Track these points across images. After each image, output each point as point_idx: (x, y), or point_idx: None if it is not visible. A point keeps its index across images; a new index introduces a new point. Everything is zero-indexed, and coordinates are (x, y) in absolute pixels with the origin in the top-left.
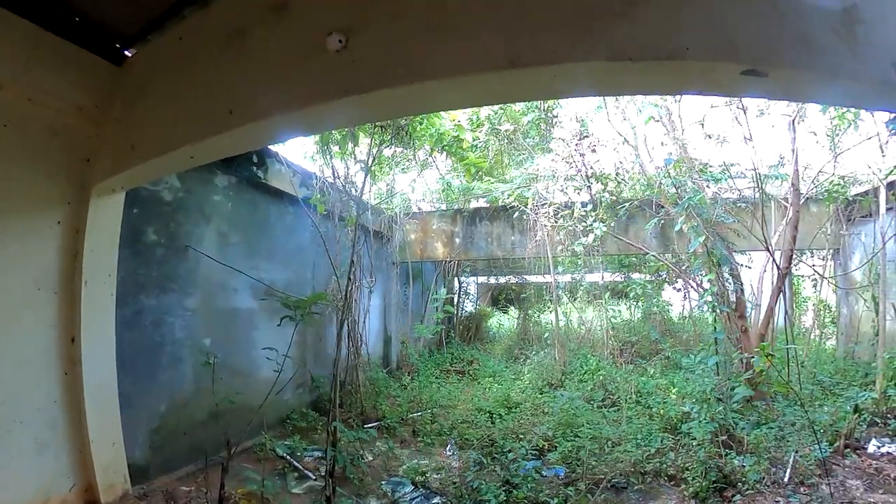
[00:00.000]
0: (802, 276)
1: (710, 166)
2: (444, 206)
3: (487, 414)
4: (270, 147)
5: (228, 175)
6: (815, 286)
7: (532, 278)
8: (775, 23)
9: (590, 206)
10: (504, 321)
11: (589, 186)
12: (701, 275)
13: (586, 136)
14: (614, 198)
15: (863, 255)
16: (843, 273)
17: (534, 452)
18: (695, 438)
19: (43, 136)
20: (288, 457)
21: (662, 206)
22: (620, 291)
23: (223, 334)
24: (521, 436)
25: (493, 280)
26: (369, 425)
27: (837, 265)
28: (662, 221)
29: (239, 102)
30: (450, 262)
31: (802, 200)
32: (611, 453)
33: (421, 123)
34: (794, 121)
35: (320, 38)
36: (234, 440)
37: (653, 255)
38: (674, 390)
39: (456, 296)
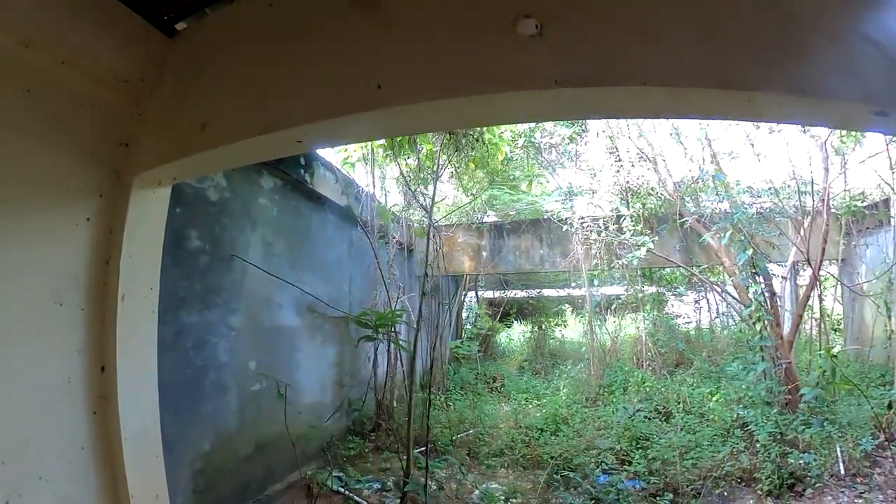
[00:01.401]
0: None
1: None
2: (470, 219)
3: (538, 431)
4: (315, 151)
5: (275, 177)
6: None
7: (548, 292)
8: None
9: (633, 220)
10: (512, 336)
11: (627, 201)
12: (748, 285)
13: (627, 152)
14: (650, 213)
15: (870, 265)
16: (852, 283)
17: (605, 466)
18: (758, 440)
19: (74, 108)
20: (344, 491)
21: (686, 220)
22: (636, 304)
23: (267, 356)
24: (585, 451)
25: (497, 294)
26: (419, 448)
27: (843, 275)
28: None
29: (389, 77)
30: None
31: (812, 214)
32: (683, 461)
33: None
34: (825, 142)
35: (504, 20)
36: (277, 474)
37: (684, 268)
38: (715, 397)
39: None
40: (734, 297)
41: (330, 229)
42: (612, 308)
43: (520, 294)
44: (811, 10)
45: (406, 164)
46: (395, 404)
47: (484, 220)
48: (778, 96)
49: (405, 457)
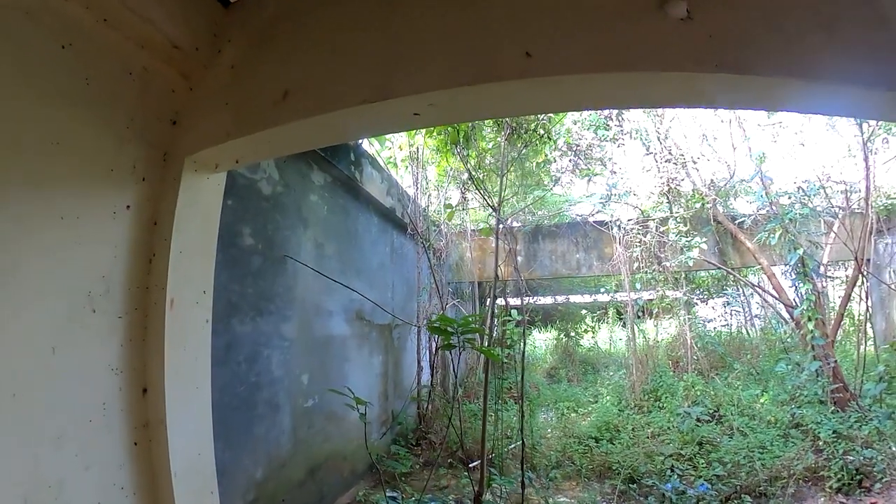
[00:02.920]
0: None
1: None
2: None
3: (592, 440)
4: (363, 146)
5: (325, 172)
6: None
7: (575, 298)
8: None
9: (678, 222)
10: (536, 343)
11: (671, 203)
12: (796, 284)
13: (665, 153)
14: (693, 214)
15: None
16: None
17: (677, 473)
18: (820, 439)
19: (115, 75)
20: None
21: (720, 222)
22: (669, 308)
23: (319, 369)
24: (649, 458)
25: (525, 301)
26: (473, 462)
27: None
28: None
29: (539, 45)
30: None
31: (842, 214)
32: (751, 463)
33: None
34: (866, 142)
35: (647, 1)
36: (329, 497)
37: (727, 270)
38: (763, 399)
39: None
40: (775, 298)
41: (374, 232)
42: (649, 312)
43: (546, 301)
44: None
45: (457, 163)
46: (437, 416)
47: (514, 224)
48: (888, 94)
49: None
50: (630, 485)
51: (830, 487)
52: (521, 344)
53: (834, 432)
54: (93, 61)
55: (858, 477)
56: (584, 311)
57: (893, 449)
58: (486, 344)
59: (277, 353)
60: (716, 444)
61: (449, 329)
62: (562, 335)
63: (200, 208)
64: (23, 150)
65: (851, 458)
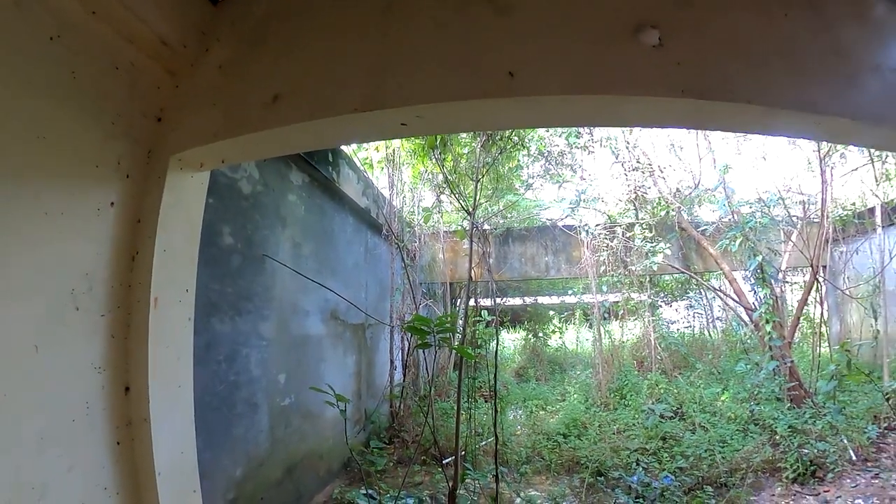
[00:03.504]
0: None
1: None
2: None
3: (561, 436)
4: (342, 147)
5: (303, 172)
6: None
7: (543, 300)
8: None
9: (644, 228)
10: (503, 343)
11: (638, 209)
12: (755, 289)
13: (633, 161)
14: (658, 221)
15: (857, 271)
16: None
17: (642, 466)
18: (776, 433)
19: (102, 69)
20: None
21: (684, 229)
22: (634, 310)
23: (296, 368)
24: (615, 452)
25: (493, 301)
26: (446, 459)
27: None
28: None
29: (521, 66)
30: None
31: (800, 223)
32: (712, 457)
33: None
34: (824, 157)
35: (623, 28)
36: (305, 497)
37: (689, 274)
38: (723, 396)
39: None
40: (735, 301)
41: (349, 232)
42: (614, 314)
43: (515, 302)
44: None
45: (433, 166)
46: (409, 415)
47: (485, 226)
48: (842, 120)
49: (437, 469)
50: (598, 478)
51: (787, 478)
52: (494, 343)
53: (790, 427)
54: (80, 54)
55: (813, 468)
56: (551, 313)
57: (845, 442)
58: (459, 343)
59: (256, 352)
60: (678, 438)
61: (424, 329)
62: (530, 335)
63: (184, 207)
64: (6, 142)
65: (806, 450)
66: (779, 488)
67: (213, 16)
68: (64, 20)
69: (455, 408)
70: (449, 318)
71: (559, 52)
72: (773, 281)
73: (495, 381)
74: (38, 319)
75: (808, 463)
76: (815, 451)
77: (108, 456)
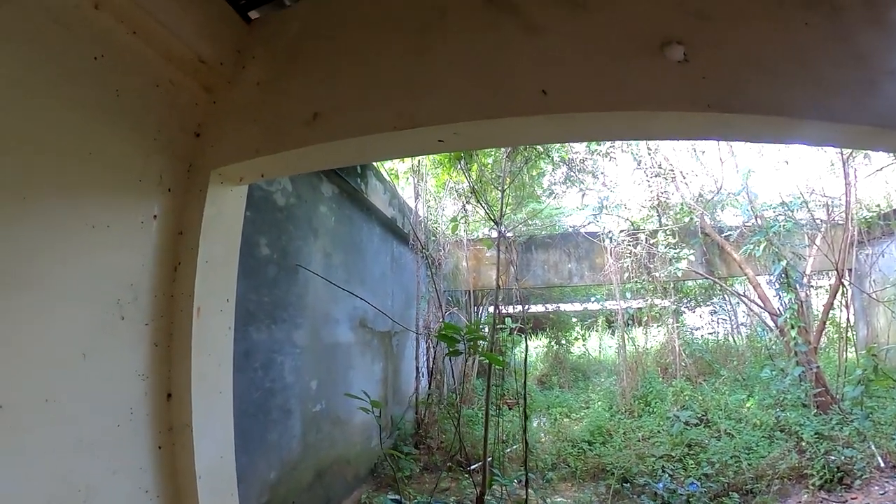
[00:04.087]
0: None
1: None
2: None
3: (586, 443)
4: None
5: (333, 184)
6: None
7: (566, 307)
8: None
9: (667, 234)
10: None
11: (661, 215)
12: (780, 294)
13: (655, 167)
14: (681, 226)
15: (884, 273)
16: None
17: (668, 472)
18: (803, 439)
19: (144, 87)
20: None
21: (707, 234)
22: (658, 316)
23: (327, 375)
24: (641, 459)
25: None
26: (472, 466)
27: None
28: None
29: (553, 84)
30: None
31: (825, 226)
32: (738, 463)
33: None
34: (847, 158)
35: (649, 44)
36: (334, 501)
37: (713, 280)
38: (749, 403)
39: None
40: (760, 307)
41: (376, 241)
42: (638, 321)
43: (538, 309)
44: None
45: (458, 176)
46: (434, 421)
47: (509, 235)
48: (864, 128)
49: (464, 475)
50: (623, 484)
51: (813, 485)
52: (523, 350)
53: (816, 433)
54: (123, 73)
55: (840, 475)
56: (574, 320)
57: (872, 448)
58: (486, 350)
59: (290, 359)
60: (704, 445)
61: (455, 336)
62: (552, 343)
63: (225, 219)
64: (56, 158)
65: (833, 457)
66: (805, 495)
67: (246, 34)
68: (107, 40)
69: (478, 414)
70: (477, 326)
71: (589, 69)
72: (797, 285)
73: (524, 388)
74: (87, 328)
75: (836, 470)
76: (842, 457)
77: (149, 460)
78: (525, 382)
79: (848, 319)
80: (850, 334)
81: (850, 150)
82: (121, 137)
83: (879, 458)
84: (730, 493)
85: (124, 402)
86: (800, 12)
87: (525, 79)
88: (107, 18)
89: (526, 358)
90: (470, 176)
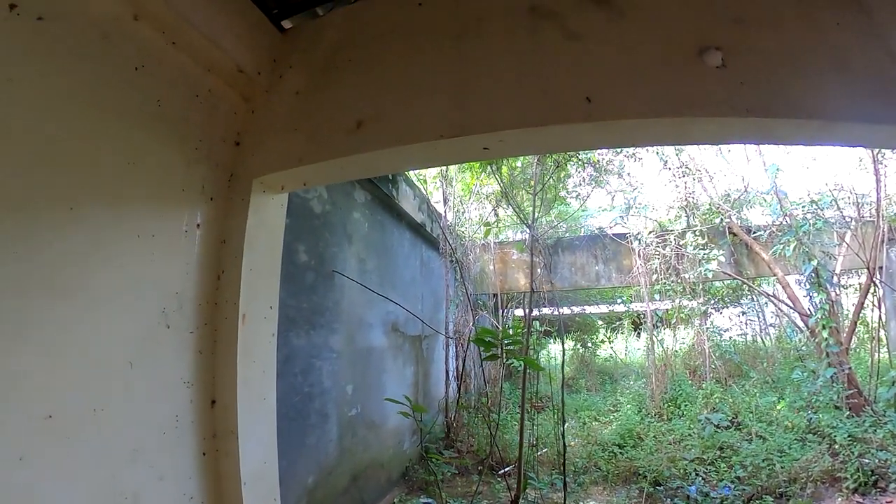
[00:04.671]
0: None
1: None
2: (518, 241)
3: (616, 447)
4: None
5: (365, 190)
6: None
7: (591, 309)
8: None
9: (697, 234)
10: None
11: (689, 215)
12: (811, 294)
13: (680, 167)
14: (710, 227)
15: None
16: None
17: (701, 476)
18: (836, 442)
19: (184, 97)
20: None
21: (735, 234)
22: (686, 318)
23: (361, 379)
24: (672, 463)
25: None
26: (505, 468)
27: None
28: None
29: (597, 91)
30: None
31: (854, 224)
32: (771, 466)
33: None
34: (876, 154)
35: (687, 50)
36: (369, 502)
37: (742, 280)
38: (780, 405)
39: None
40: (789, 307)
41: (407, 246)
42: (666, 322)
43: (564, 311)
44: None
45: (487, 180)
46: (462, 425)
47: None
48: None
49: (497, 479)
50: (656, 488)
51: (847, 488)
52: (553, 352)
53: (849, 436)
54: (164, 83)
55: (874, 478)
56: (599, 323)
57: None
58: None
59: (327, 364)
60: (735, 448)
61: (492, 340)
62: (579, 345)
63: (267, 227)
64: (101, 168)
65: (867, 460)
66: (839, 499)
67: (282, 43)
68: (147, 51)
69: (507, 418)
70: (515, 330)
71: (632, 76)
72: (828, 285)
73: (562, 391)
74: (134, 337)
75: (870, 473)
76: (877, 460)
77: (194, 466)
78: (563, 385)
79: (880, 319)
80: (881, 334)
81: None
82: (163, 146)
83: None
84: (763, 496)
85: (170, 409)
86: (830, 13)
87: (569, 86)
88: (147, 29)
89: (564, 360)
90: (501, 179)
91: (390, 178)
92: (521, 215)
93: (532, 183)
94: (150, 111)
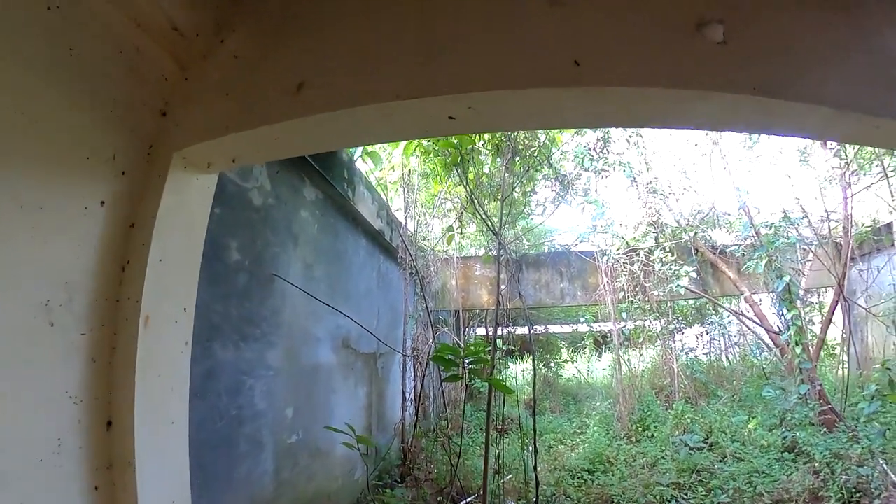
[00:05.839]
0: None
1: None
2: (484, 252)
3: (586, 472)
4: (356, 164)
5: (317, 188)
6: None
7: (554, 328)
8: None
9: (665, 252)
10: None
11: (658, 233)
12: (781, 312)
13: (647, 184)
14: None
15: (874, 289)
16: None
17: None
18: (815, 460)
19: (104, 50)
20: None
21: (700, 252)
22: (651, 337)
23: (305, 401)
24: (647, 488)
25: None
26: (467, 500)
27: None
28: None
29: (587, 55)
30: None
31: (820, 242)
32: (752, 488)
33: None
34: (844, 174)
35: (686, 22)
36: None
37: (708, 298)
38: (751, 424)
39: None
40: (757, 324)
41: (363, 255)
42: (631, 342)
43: (525, 331)
44: None
45: (452, 187)
46: (420, 451)
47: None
48: None
49: None
50: None
51: None
52: (532, 370)
53: (829, 452)
54: (80, 31)
55: (858, 495)
56: (561, 343)
57: (884, 466)
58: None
59: (261, 383)
60: (712, 471)
61: (452, 359)
62: (541, 366)
63: (186, 212)
64: None
65: (846, 476)
66: None
67: (229, 5)
68: None
69: (469, 442)
70: (478, 347)
71: (625, 43)
72: (798, 301)
73: (535, 415)
74: (3, 335)
75: (853, 490)
76: (857, 477)
77: (82, 503)
78: (535, 407)
79: (847, 335)
80: (851, 350)
81: (846, 164)
82: (67, 103)
83: (893, 475)
84: None
85: (50, 430)
86: None
87: (555, 47)
88: None
89: (535, 378)
90: (467, 183)
91: (346, 176)
92: (489, 222)
93: (499, 190)
94: (57, 58)
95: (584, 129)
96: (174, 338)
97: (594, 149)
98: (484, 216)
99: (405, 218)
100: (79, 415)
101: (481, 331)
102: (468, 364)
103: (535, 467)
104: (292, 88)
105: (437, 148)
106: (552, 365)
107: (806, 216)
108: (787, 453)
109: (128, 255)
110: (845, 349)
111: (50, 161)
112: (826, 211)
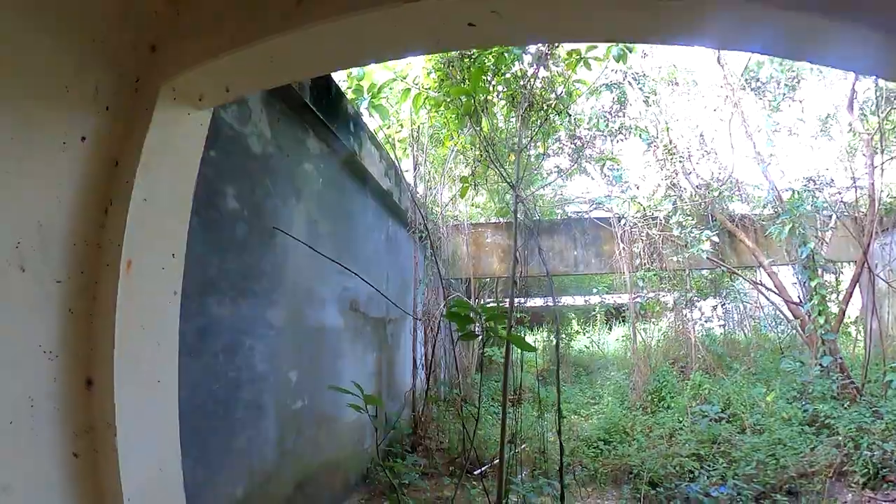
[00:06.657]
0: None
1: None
2: (498, 219)
3: (602, 442)
4: (362, 119)
5: (321, 141)
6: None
7: (566, 299)
8: None
9: (688, 216)
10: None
11: (676, 196)
12: (805, 280)
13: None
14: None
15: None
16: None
17: (705, 473)
18: (838, 433)
19: None
20: None
21: (717, 221)
22: (666, 308)
23: (311, 365)
24: (666, 459)
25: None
26: (480, 469)
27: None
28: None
29: None
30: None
31: (843, 213)
32: (774, 461)
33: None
34: (872, 139)
35: None
36: None
37: (727, 267)
38: (769, 396)
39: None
40: (776, 295)
41: (370, 216)
42: (649, 312)
43: (538, 302)
44: None
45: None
46: (431, 420)
47: (506, 220)
48: None
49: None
50: (655, 489)
51: (856, 483)
52: (555, 339)
53: (854, 426)
54: None
55: (885, 471)
56: (572, 315)
57: None
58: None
59: (262, 343)
60: (732, 442)
61: (468, 315)
62: (552, 336)
63: (176, 150)
64: None
65: (870, 452)
66: (850, 495)
67: None
68: None
69: (483, 411)
70: (494, 310)
71: None
72: (822, 270)
73: (558, 378)
74: None
75: (879, 465)
76: (882, 452)
77: (60, 471)
78: (558, 371)
79: (870, 308)
80: (865, 323)
81: (874, 132)
82: (45, 28)
83: None
84: (771, 494)
85: (21, 389)
86: None
87: None
88: None
89: (557, 344)
90: (481, 133)
91: (352, 129)
92: (504, 173)
93: (515, 146)
94: None
95: (600, 90)
96: (160, 286)
97: (610, 111)
98: (499, 169)
99: (414, 178)
100: (55, 372)
101: (510, 294)
102: (484, 321)
103: (559, 432)
104: (292, 4)
105: (447, 100)
106: (563, 336)
107: (831, 183)
108: (808, 426)
109: (111, 195)
110: (863, 323)
111: (21, 89)
112: (853, 177)
